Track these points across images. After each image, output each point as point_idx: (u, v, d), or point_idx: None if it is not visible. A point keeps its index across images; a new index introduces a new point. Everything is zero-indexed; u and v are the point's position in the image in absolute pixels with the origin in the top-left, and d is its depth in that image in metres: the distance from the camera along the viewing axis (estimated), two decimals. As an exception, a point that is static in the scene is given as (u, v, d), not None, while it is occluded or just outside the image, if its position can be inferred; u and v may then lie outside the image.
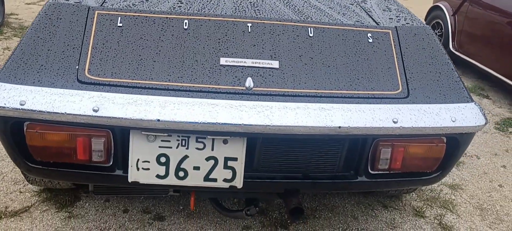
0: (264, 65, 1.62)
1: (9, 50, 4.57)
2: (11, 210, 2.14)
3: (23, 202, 2.21)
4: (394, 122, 1.58)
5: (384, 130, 1.57)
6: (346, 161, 1.72)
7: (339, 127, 1.53)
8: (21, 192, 2.28)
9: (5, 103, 1.42)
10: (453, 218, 2.43)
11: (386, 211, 2.43)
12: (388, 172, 1.74)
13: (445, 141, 1.70)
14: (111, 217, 2.15)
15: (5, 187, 2.31)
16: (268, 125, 1.50)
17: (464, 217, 2.45)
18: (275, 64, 1.62)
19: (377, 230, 2.26)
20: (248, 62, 1.61)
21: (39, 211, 2.15)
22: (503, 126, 3.77)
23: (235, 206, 2.32)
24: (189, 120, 1.47)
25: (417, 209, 2.46)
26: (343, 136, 1.59)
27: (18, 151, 1.56)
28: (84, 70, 1.52)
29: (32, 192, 2.29)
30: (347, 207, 2.43)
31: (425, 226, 2.34)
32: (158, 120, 1.45)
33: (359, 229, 2.26)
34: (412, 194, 2.60)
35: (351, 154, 1.71)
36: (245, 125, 1.48)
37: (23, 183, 2.35)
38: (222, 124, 1.48)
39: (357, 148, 1.69)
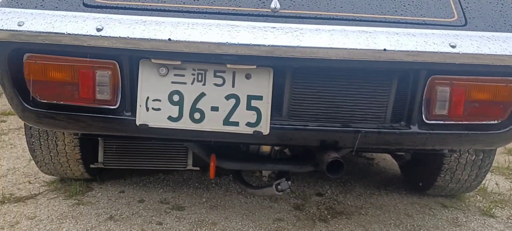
0: (293, -11, 1.41)
1: None
2: (16, 197, 1.92)
3: (30, 190, 1.99)
4: (452, 47, 1.30)
5: (440, 56, 1.30)
6: (396, 107, 1.43)
7: (384, 50, 1.27)
8: (30, 183, 2.08)
9: (2, 25, 1.28)
10: (532, 219, 2.00)
11: (447, 210, 2.03)
12: (446, 121, 1.42)
13: (517, 81, 1.39)
14: (124, 205, 1.89)
15: (14, 179, 2.11)
16: (298, 46, 1.26)
17: (545, 220, 2.01)
18: (305, -13, 1.41)
19: (437, 228, 1.87)
20: (274, -14, 1.41)
21: (46, 199, 1.92)
22: None
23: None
24: (205, 40, 1.26)
25: (484, 209, 2.04)
26: (390, 66, 1.33)
27: (16, 88, 1.38)
28: (92, -5, 1.38)
29: (43, 182, 2.08)
30: (399, 206, 2.05)
31: (497, 225, 1.92)
32: (169, 40, 1.25)
33: (415, 226, 1.87)
34: (476, 196, 2.19)
35: (401, 96, 1.41)
36: (270, 46, 1.26)
37: (34, 176, 2.15)
38: (243, 44, 1.26)
39: (408, 87, 1.40)
